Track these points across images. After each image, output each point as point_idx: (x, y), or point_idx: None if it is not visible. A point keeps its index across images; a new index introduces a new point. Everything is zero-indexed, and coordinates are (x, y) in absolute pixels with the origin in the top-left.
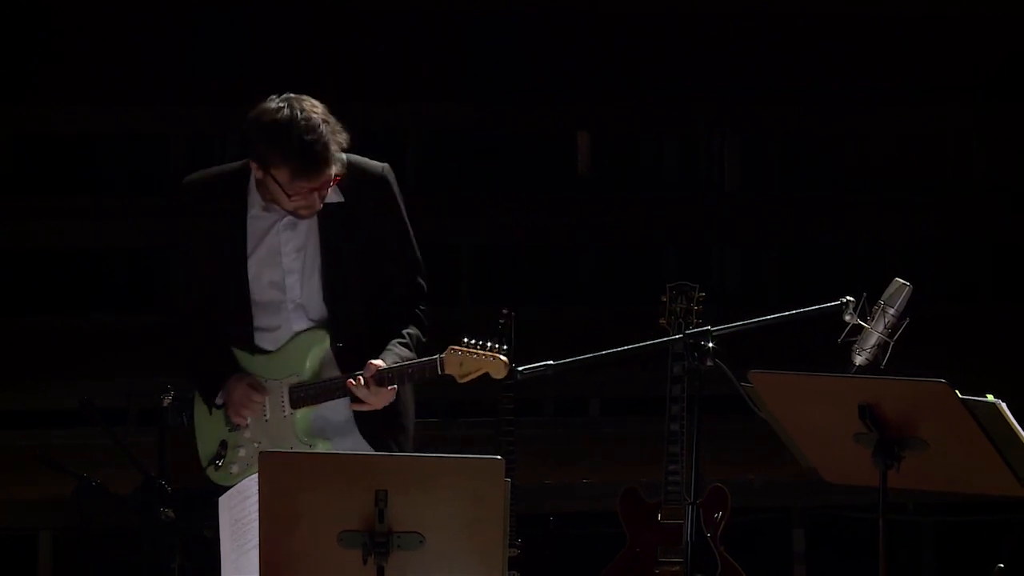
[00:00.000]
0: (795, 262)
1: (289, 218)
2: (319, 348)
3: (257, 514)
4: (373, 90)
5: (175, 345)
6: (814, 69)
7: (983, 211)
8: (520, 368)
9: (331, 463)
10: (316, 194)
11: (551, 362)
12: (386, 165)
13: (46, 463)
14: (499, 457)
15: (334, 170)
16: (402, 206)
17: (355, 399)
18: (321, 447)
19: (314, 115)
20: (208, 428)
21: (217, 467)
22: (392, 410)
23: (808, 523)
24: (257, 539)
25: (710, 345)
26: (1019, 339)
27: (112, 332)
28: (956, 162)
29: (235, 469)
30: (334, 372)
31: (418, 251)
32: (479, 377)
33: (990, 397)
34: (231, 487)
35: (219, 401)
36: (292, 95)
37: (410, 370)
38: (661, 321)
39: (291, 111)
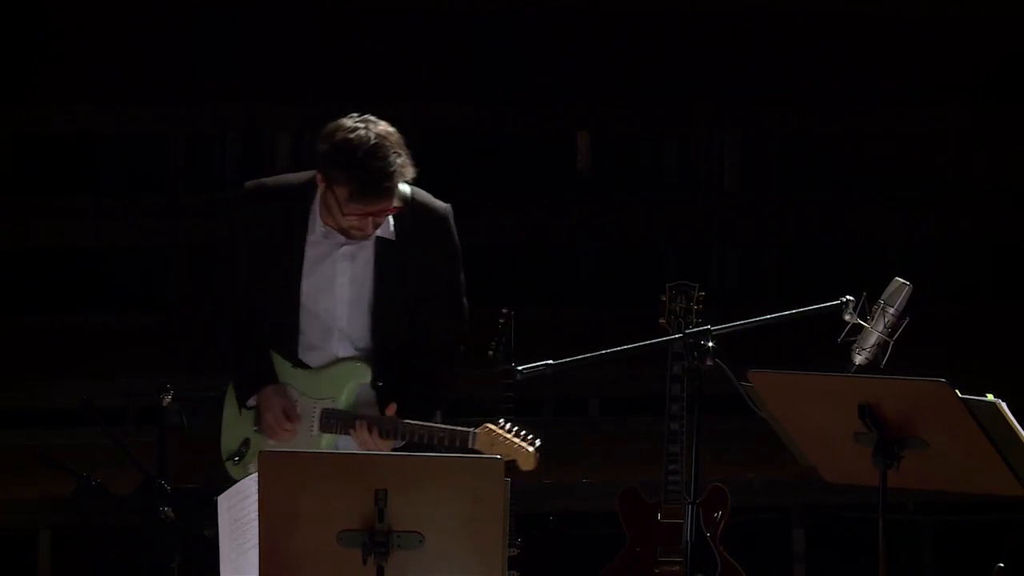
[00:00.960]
0: (795, 262)
1: (347, 248)
2: (357, 382)
3: (256, 513)
4: (373, 90)
5: (214, 337)
6: (814, 69)
7: (983, 211)
8: (520, 368)
9: (331, 463)
10: (371, 219)
11: (551, 362)
12: (448, 206)
13: (46, 463)
14: (499, 457)
15: (394, 202)
16: (459, 248)
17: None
18: None
19: (387, 143)
20: (235, 423)
21: (236, 463)
22: None
23: (808, 523)
24: (257, 539)
25: (710, 345)
26: (1019, 339)
27: (112, 332)
28: (956, 162)
29: (252, 468)
30: (373, 410)
31: (465, 296)
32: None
33: (990, 397)
34: None
35: (251, 403)
36: (371, 117)
37: (440, 435)
38: (661, 321)
39: (366, 133)
